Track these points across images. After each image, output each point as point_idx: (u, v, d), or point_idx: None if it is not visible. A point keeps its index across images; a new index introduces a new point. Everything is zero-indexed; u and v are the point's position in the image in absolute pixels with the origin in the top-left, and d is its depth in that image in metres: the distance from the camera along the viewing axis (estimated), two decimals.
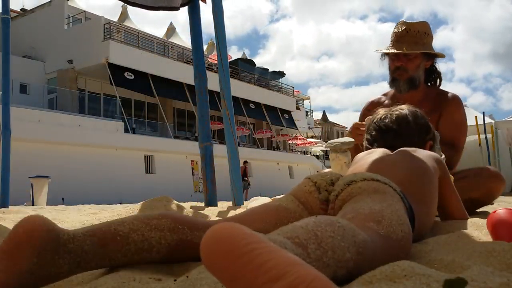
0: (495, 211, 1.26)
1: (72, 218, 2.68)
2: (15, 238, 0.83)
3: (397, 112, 1.65)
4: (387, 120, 1.63)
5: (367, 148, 1.68)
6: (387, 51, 2.32)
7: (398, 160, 1.41)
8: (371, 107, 2.41)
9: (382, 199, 1.03)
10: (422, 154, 1.44)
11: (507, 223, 1.19)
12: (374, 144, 1.65)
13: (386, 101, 2.41)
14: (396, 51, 2.27)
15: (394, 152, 1.48)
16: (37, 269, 0.83)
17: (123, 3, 4.12)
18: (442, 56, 2.33)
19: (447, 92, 2.35)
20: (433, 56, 2.33)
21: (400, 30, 2.31)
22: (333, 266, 0.73)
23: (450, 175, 1.54)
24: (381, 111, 1.71)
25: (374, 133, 1.66)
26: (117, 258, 0.95)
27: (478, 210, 2.04)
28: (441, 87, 2.40)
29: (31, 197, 9.16)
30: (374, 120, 1.68)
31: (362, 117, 2.47)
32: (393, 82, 2.34)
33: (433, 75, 2.38)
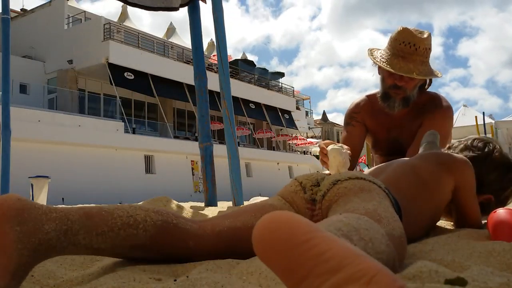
0: (495, 211, 1.26)
1: None
2: None
3: (503, 152, 1.60)
4: (486, 148, 1.59)
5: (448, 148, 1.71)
6: (393, 71, 2.04)
7: (403, 163, 1.40)
8: (359, 110, 2.32)
9: (371, 197, 1.03)
10: (444, 155, 1.42)
11: (507, 223, 1.19)
12: (455, 149, 1.66)
13: (375, 107, 2.25)
14: (404, 74, 2.02)
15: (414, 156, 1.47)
16: (24, 237, 0.83)
17: (122, 3, 4.11)
18: (439, 76, 2.14)
19: (436, 101, 2.19)
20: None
21: (408, 46, 2.05)
22: (373, 257, 0.72)
23: None
24: (485, 136, 1.68)
25: (466, 143, 1.65)
26: (104, 232, 0.95)
27: None
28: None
29: (31, 197, 9.17)
30: (477, 137, 1.66)
31: (350, 119, 2.33)
32: (386, 98, 2.14)
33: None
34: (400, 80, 2.07)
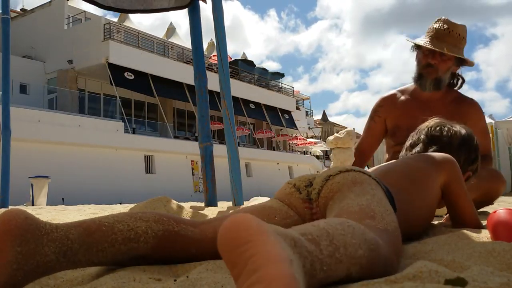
0: (495, 211, 1.26)
1: (72, 218, 2.68)
2: None
3: (456, 129, 1.58)
4: (444, 133, 1.57)
5: (406, 149, 1.64)
6: (427, 46, 2.22)
7: (398, 162, 1.41)
8: (383, 103, 2.46)
9: (364, 191, 1.04)
10: (430, 155, 1.41)
11: (507, 223, 1.19)
12: (416, 147, 1.58)
13: (402, 97, 2.41)
14: (435, 48, 2.18)
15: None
16: (22, 259, 0.83)
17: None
18: (472, 64, 2.29)
19: (466, 98, 2.32)
20: (463, 63, 2.28)
21: (442, 28, 2.24)
22: (346, 263, 0.74)
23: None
24: (436, 120, 1.64)
25: (422, 137, 1.60)
26: (104, 248, 0.95)
27: (478, 210, 2.04)
28: (461, 91, 2.37)
29: (31, 197, 9.17)
30: (429, 126, 1.62)
31: (374, 113, 2.47)
32: (419, 78, 2.29)
33: (455, 78, 2.34)
34: (433, 58, 2.23)
